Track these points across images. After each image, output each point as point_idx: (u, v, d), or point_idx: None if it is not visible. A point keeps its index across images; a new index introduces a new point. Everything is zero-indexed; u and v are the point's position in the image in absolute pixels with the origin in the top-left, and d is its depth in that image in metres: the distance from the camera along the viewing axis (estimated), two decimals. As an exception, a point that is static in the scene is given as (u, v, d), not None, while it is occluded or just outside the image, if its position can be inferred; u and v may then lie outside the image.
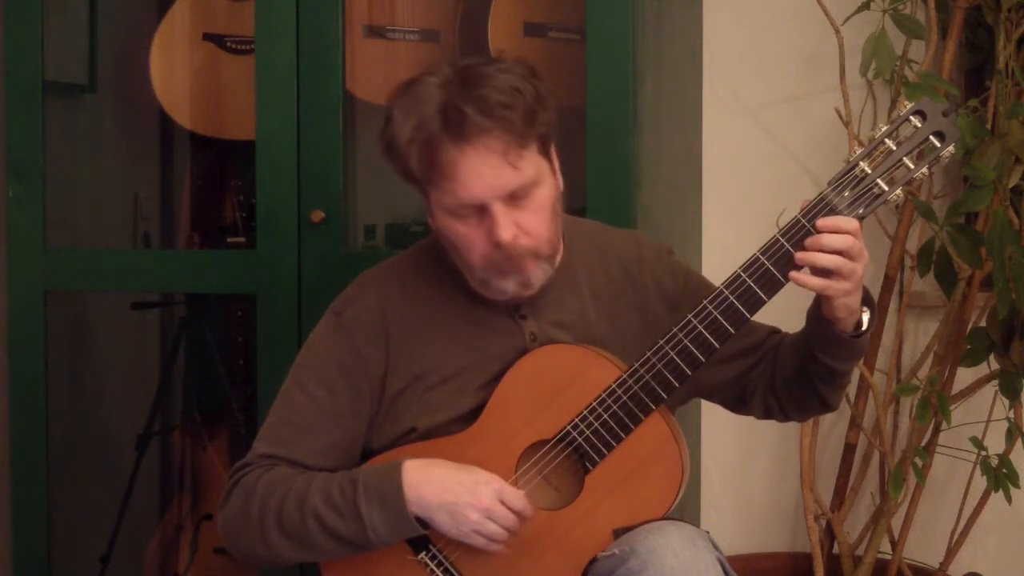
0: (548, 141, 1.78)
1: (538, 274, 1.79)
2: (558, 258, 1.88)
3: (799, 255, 1.69)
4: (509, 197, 1.73)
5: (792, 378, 1.87)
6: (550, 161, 1.80)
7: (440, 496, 1.76)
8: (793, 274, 1.69)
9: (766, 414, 1.95)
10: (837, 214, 1.69)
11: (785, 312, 1.87)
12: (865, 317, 1.78)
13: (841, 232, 1.68)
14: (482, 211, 1.74)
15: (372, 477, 1.79)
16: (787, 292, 1.74)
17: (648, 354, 1.76)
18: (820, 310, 1.76)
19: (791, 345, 1.88)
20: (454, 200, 1.74)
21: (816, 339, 1.79)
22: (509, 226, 1.73)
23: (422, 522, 1.77)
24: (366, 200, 2.58)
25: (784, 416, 1.94)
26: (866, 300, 1.78)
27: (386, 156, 1.78)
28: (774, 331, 1.94)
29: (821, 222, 1.68)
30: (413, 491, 1.76)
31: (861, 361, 2.67)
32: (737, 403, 1.97)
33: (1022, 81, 2.50)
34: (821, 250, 1.68)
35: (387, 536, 1.78)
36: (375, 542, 1.78)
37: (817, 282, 1.69)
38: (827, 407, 1.91)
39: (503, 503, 1.76)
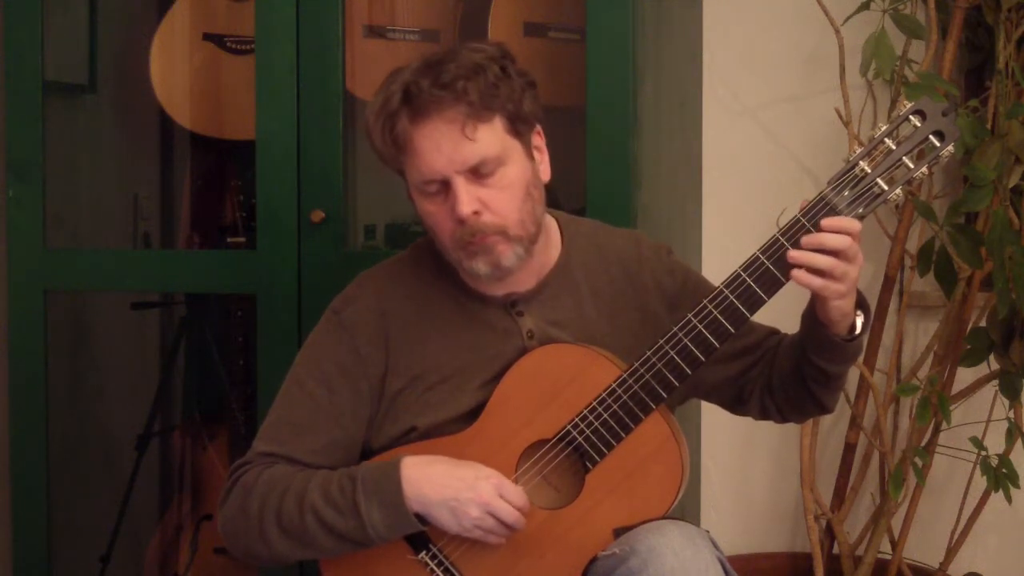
0: (520, 123, 1.79)
1: (509, 256, 1.79)
2: (551, 258, 1.88)
3: (792, 254, 1.69)
4: (472, 173, 1.75)
5: (788, 379, 1.87)
6: (524, 142, 1.80)
7: (440, 492, 1.76)
8: (795, 273, 1.69)
9: (763, 414, 1.95)
10: (837, 214, 1.69)
11: (785, 312, 1.87)
12: (859, 321, 1.78)
13: (842, 232, 1.68)
14: (447, 189, 1.76)
15: (371, 474, 1.79)
16: (787, 292, 1.74)
17: (648, 353, 1.76)
18: (814, 312, 1.76)
19: (788, 347, 1.88)
20: (418, 176, 1.77)
21: (810, 341, 1.79)
22: (470, 201, 1.74)
23: (421, 519, 1.77)
24: (366, 200, 2.59)
25: (781, 417, 1.95)
26: (860, 304, 1.78)
27: (366, 137, 1.81)
28: (773, 332, 1.94)
29: (825, 222, 1.68)
30: (412, 488, 1.76)
31: (861, 361, 2.68)
32: (735, 403, 1.97)
33: (1022, 81, 2.50)
34: (821, 248, 1.68)
35: (386, 533, 1.78)
36: (374, 539, 1.78)
37: (818, 282, 1.69)
38: (822, 409, 1.91)
39: (503, 498, 1.76)
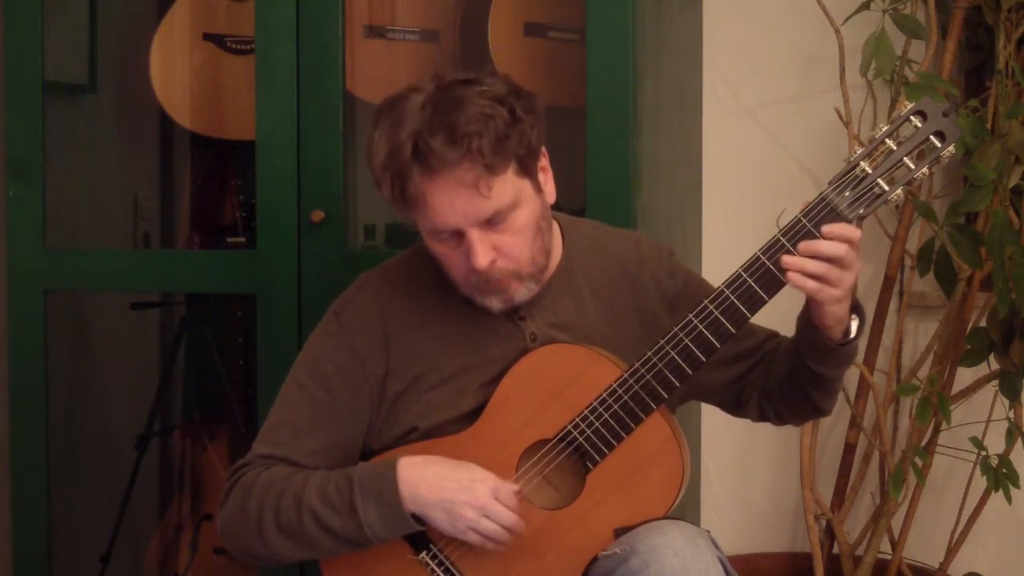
0: (529, 160, 1.76)
1: (522, 292, 1.81)
2: (552, 263, 1.88)
3: (786, 259, 1.69)
4: (486, 222, 1.73)
5: (784, 382, 1.87)
6: (533, 180, 1.78)
7: (436, 493, 1.76)
8: (791, 274, 1.69)
9: (761, 417, 1.96)
10: (838, 214, 1.69)
11: (785, 312, 1.87)
12: (854, 325, 1.78)
13: (840, 240, 1.68)
14: (460, 234, 1.75)
15: (368, 474, 1.79)
16: (787, 292, 1.74)
17: (649, 353, 1.76)
18: (809, 316, 1.77)
19: (784, 350, 1.89)
20: (431, 226, 1.76)
21: (804, 345, 1.80)
22: (486, 253, 1.74)
23: (418, 519, 1.77)
24: (366, 200, 2.58)
25: (779, 419, 1.95)
26: (855, 308, 1.78)
27: (370, 174, 1.78)
28: (772, 335, 1.95)
29: (825, 228, 1.69)
30: (409, 488, 1.76)
31: (861, 361, 2.68)
32: (734, 405, 1.98)
33: (1022, 81, 2.50)
34: (816, 255, 1.68)
35: (383, 533, 1.78)
36: (371, 539, 1.78)
37: (812, 285, 1.69)
38: (819, 412, 1.91)
39: (499, 501, 1.76)
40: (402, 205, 1.75)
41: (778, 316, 1.88)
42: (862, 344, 2.71)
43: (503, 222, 1.74)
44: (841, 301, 1.72)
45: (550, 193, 1.84)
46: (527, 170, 1.76)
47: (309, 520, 1.79)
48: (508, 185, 1.73)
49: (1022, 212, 2.50)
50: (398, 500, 1.76)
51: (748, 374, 1.93)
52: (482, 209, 1.72)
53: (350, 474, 1.80)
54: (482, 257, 1.74)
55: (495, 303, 1.81)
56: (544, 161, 1.82)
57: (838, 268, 1.68)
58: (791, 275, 1.69)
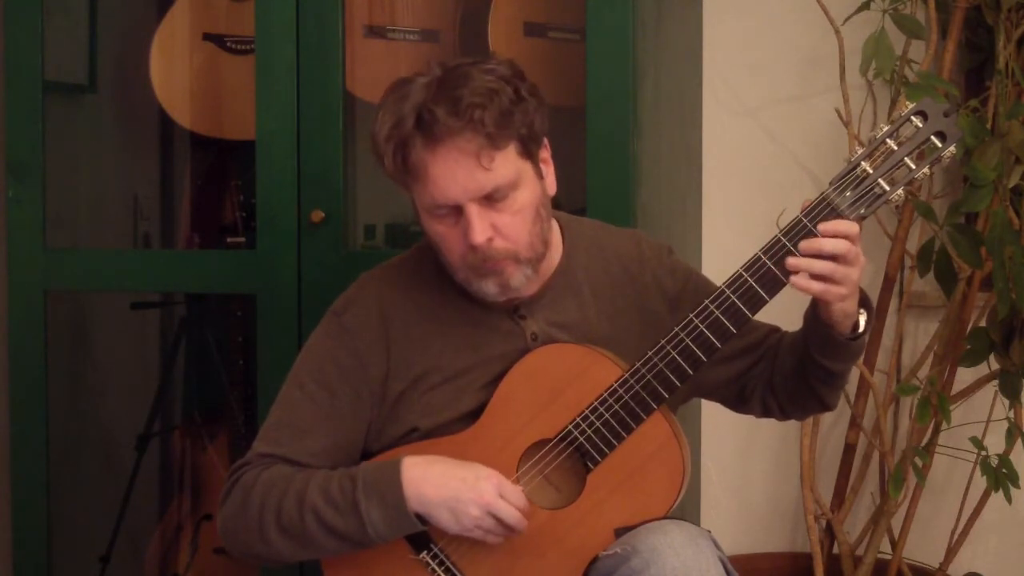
0: (532, 143, 1.77)
1: (518, 277, 1.79)
2: (553, 262, 1.88)
3: (791, 261, 1.69)
4: (485, 199, 1.74)
5: (790, 377, 1.87)
6: (535, 164, 1.79)
7: (440, 492, 1.76)
8: (795, 279, 1.69)
9: (765, 412, 1.96)
10: (839, 214, 1.69)
11: (785, 312, 1.87)
12: (862, 319, 1.78)
13: (839, 236, 1.68)
14: (458, 212, 1.75)
15: (371, 474, 1.79)
16: (788, 292, 1.74)
17: (650, 353, 1.76)
18: (816, 312, 1.76)
19: (789, 345, 1.88)
20: (430, 200, 1.76)
21: (813, 341, 1.80)
22: (484, 229, 1.74)
23: (421, 519, 1.77)
24: (366, 200, 2.58)
25: (783, 415, 1.95)
26: (863, 302, 1.78)
27: (373, 152, 1.80)
28: (774, 330, 1.95)
29: (822, 226, 1.69)
30: (413, 488, 1.76)
31: (861, 361, 2.68)
32: (737, 401, 1.97)
33: (1022, 81, 2.50)
34: (819, 254, 1.68)
35: (386, 533, 1.78)
36: (374, 539, 1.78)
37: (817, 287, 1.69)
38: (825, 406, 1.91)
39: (503, 498, 1.76)
40: (403, 177, 1.76)
41: (779, 315, 1.88)
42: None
43: (503, 200, 1.74)
44: (847, 298, 1.72)
45: (551, 185, 1.84)
46: (529, 153, 1.77)
47: (311, 519, 1.79)
48: (509, 162, 1.74)
49: (1022, 212, 2.50)
50: (402, 500, 1.76)
51: (751, 370, 1.93)
52: (483, 183, 1.72)
53: (353, 473, 1.80)
54: (479, 233, 1.73)
55: (491, 287, 1.79)
56: (546, 153, 1.83)
57: (843, 265, 1.68)
58: (796, 279, 1.69)
